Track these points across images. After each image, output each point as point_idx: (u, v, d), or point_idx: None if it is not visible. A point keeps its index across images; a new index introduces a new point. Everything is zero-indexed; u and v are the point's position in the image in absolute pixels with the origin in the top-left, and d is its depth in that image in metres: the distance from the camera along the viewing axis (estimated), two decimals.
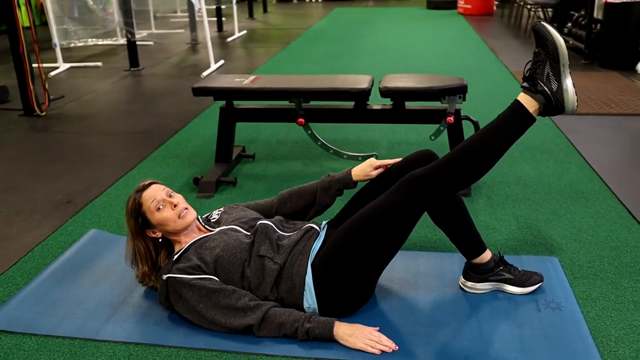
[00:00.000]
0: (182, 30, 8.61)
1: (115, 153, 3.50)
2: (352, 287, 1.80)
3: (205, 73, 5.66)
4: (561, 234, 2.35)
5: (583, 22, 5.86)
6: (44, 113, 4.32)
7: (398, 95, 2.76)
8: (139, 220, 1.89)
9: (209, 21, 9.16)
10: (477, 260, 1.94)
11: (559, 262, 2.13)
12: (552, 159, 3.16)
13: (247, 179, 3.01)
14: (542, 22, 1.74)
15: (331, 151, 2.99)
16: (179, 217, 1.89)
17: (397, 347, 1.69)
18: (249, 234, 1.91)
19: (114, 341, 1.76)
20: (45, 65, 6.09)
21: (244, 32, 8.56)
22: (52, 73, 5.84)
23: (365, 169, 2.00)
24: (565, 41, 1.75)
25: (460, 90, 2.70)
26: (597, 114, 3.91)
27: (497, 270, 1.93)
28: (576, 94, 1.73)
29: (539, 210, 2.57)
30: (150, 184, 1.94)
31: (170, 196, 1.92)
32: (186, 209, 1.91)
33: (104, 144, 3.69)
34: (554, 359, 1.63)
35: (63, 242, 2.40)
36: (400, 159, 2.00)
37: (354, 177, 2.01)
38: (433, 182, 1.71)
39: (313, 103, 2.94)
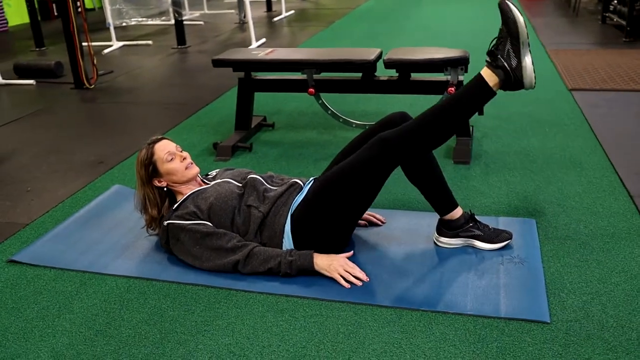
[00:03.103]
0: (232, 11, 8.89)
1: (150, 121, 3.80)
2: (325, 236, 1.99)
3: None
4: (547, 199, 2.45)
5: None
6: (92, 86, 4.68)
7: (401, 67, 2.90)
8: (149, 168, 2.13)
9: (259, 2, 9.42)
10: (448, 216, 2.08)
11: (536, 224, 2.24)
12: (560, 132, 3.21)
13: (263, 145, 3.23)
14: (505, 0, 1.82)
15: (341, 120, 3.16)
16: (185, 169, 2.13)
17: (368, 279, 1.90)
18: (240, 185, 2.13)
19: (117, 275, 2.02)
20: (100, 43, 6.52)
21: (292, 12, 8.76)
22: (106, 50, 6.24)
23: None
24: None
25: (461, 62, 2.81)
26: (621, 90, 3.89)
27: (467, 227, 2.07)
28: (534, 71, 1.82)
29: (532, 178, 2.66)
30: (161, 138, 2.19)
31: (180, 151, 2.17)
32: (191, 163, 2.16)
33: (141, 113, 3.99)
34: (504, 303, 1.77)
35: (91, 195, 2.69)
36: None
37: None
38: (396, 145, 1.86)
39: (324, 74, 3.11)
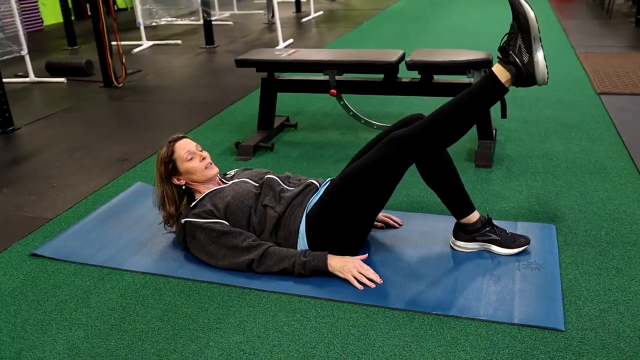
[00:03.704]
0: (262, 11, 8.95)
1: (175, 120, 3.84)
2: (340, 237, 1.99)
3: None
4: (568, 205, 2.40)
5: None
6: (120, 85, 4.77)
7: (423, 69, 2.88)
8: (169, 166, 2.16)
9: (288, 2, 9.46)
10: (465, 220, 2.06)
11: (555, 230, 2.20)
12: (586, 136, 3.15)
13: (285, 145, 3.25)
14: None
15: (362, 121, 3.16)
16: (204, 169, 2.15)
17: (381, 281, 1.90)
18: (257, 185, 2.15)
19: (134, 271, 2.06)
20: (131, 42, 6.62)
21: (320, 12, 8.77)
22: (136, 50, 6.33)
23: None
24: None
25: (484, 64, 2.78)
26: None
27: (483, 231, 2.05)
28: (547, 67, 1.79)
29: (554, 182, 2.61)
30: (182, 137, 2.21)
31: (200, 150, 2.19)
32: (211, 163, 2.18)
33: (167, 112, 4.05)
34: (518, 310, 1.74)
35: (113, 192, 2.74)
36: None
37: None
38: (408, 143, 1.85)
39: (347, 75, 3.11)
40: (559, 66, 4.70)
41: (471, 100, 1.84)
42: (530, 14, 1.76)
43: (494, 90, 1.83)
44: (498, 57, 1.85)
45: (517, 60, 1.78)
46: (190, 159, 2.14)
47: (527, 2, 1.79)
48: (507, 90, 1.84)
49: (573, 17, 7.18)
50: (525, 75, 1.79)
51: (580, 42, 5.60)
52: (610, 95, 3.81)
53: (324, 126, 3.56)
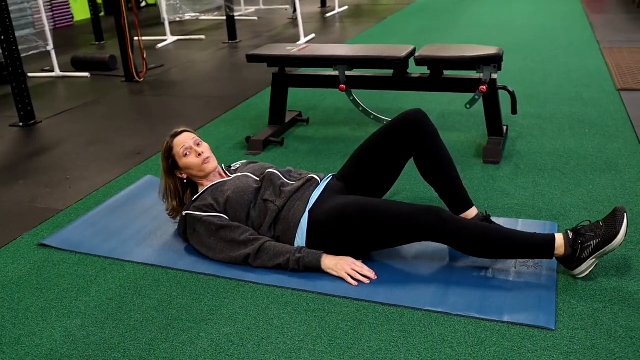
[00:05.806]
0: (287, 7, 8.97)
1: (191, 114, 3.90)
2: (340, 249, 1.99)
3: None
4: (574, 203, 2.37)
5: None
6: (141, 79, 4.85)
7: (432, 64, 2.86)
8: (169, 161, 2.20)
9: None
10: (463, 216, 2.05)
11: (557, 227, 2.17)
12: (600, 133, 3.09)
13: (295, 140, 3.26)
14: (625, 212, 1.82)
15: (371, 117, 3.15)
16: (202, 164, 2.18)
17: (376, 277, 1.91)
18: (258, 179, 2.17)
19: (135, 262, 2.11)
20: (155, 37, 6.72)
21: (345, 7, 8.75)
22: (160, 45, 6.43)
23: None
24: None
25: (493, 60, 2.75)
26: None
27: None
28: (590, 272, 1.84)
29: (562, 180, 2.57)
30: (182, 131, 2.24)
31: (197, 145, 2.21)
32: (208, 157, 2.20)
33: (184, 106, 4.11)
34: (509, 307, 1.73)
35: (124, 184, 2.80)
36: None
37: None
38: (447, 232, 1.83)
39: (357, 71, 3.11)
40: (580, 61, 4.60)
41: (521, 244, 1.84)
42: (620, 239, 1.79)
43: (543, 251, 1.83)
44: (567, 232, 1.85)
45: (579, 251, 1.80)
46: (186, 155, 2.17)
47: (627, 227, 1.81)
48: (551, 258, 1.85)
49: (602, 11, 7.01)
50: (572, 263, 1.83)
51: (606, 36, 5.47)
52: (631, 92, 3.72)
53: (335, 122, 3.56)
